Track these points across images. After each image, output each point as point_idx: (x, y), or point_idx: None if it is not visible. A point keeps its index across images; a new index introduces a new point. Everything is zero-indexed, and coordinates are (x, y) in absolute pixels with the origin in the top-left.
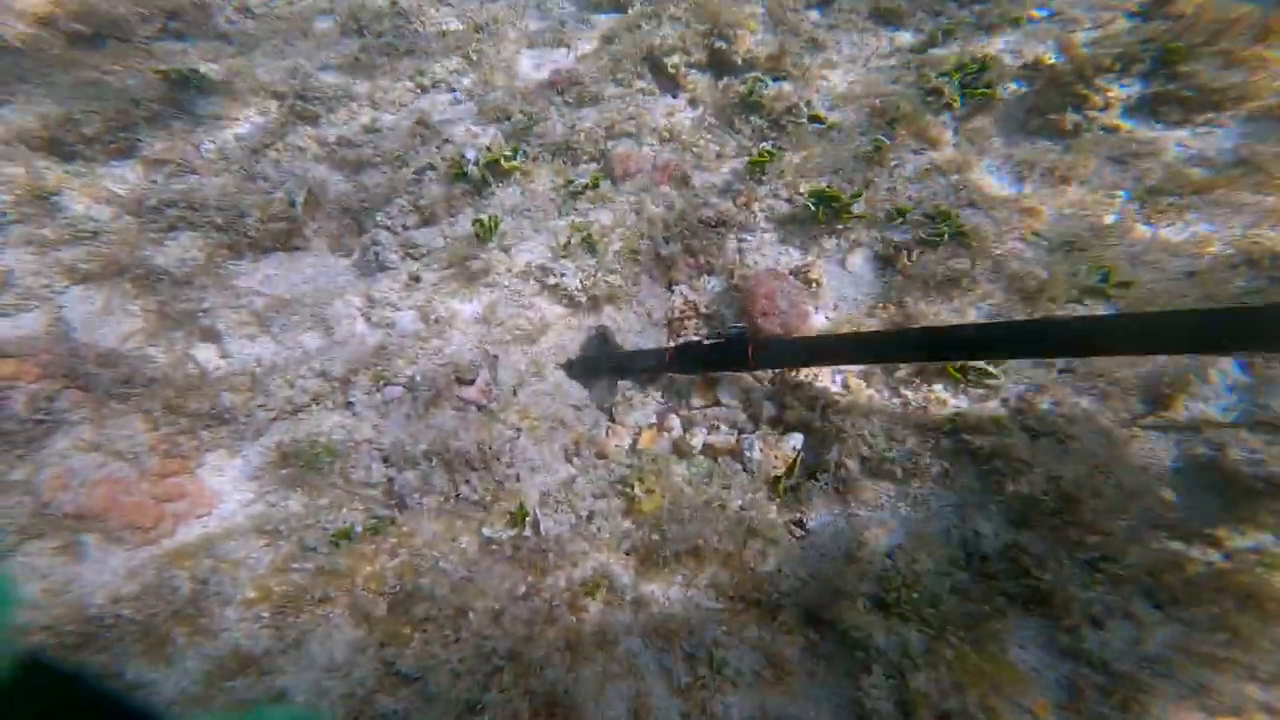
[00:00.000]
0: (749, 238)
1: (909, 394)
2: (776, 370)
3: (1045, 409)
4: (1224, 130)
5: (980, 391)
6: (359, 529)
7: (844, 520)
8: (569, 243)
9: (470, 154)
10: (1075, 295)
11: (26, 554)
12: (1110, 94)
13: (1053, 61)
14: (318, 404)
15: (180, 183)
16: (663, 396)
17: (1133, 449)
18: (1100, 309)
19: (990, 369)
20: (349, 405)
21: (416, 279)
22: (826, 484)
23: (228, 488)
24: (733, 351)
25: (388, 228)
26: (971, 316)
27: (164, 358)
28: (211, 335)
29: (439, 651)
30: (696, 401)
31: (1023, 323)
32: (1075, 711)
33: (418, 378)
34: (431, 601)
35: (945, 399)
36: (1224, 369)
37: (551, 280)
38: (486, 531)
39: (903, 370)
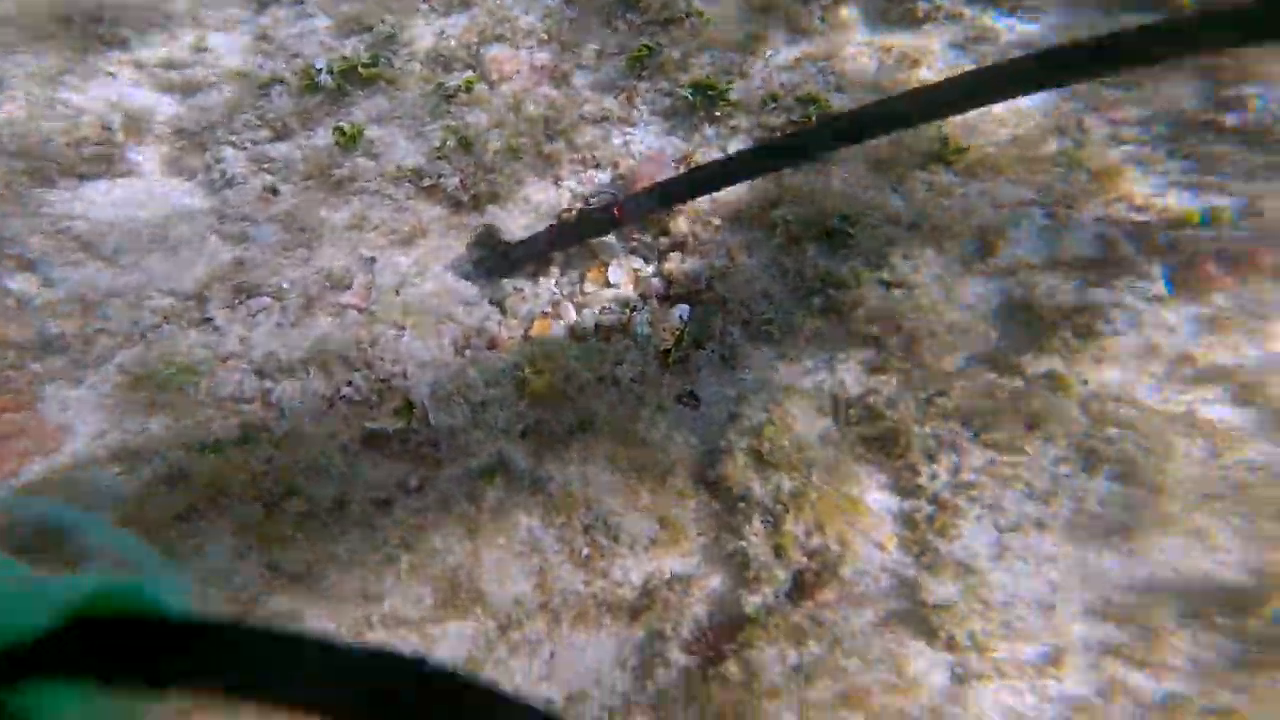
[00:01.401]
0: (633, 131)
1: (786, 260)
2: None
3: (898, 263)
4: (1045, 15)
5: (844, 250)
6: (228, 441)
7: (730, 385)
8: (444, 144)
9: (320, 63)
10: (920, 161)
11: None
12: None
13: None
14: (170, 323)
15: None
16: (555, 285)
17: (964, 292)
18: (942, 172)
19: (851, 231)
20: (208, 321)
21: (274, 191)
22: (713, 352)
23: (74, 420)
24: (600, 213)
25: (233, 144)
26: (836, 185)
27: None
28: (26, 264)
29: (327, 546)
30: (589, 287)
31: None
32: (912, 542)
33: (285, 285)
34: (308, 499)
35: (817, 262)
36: (1032, 218)
37: (427, 182)
38: (370, 425)
39: (779, 238)
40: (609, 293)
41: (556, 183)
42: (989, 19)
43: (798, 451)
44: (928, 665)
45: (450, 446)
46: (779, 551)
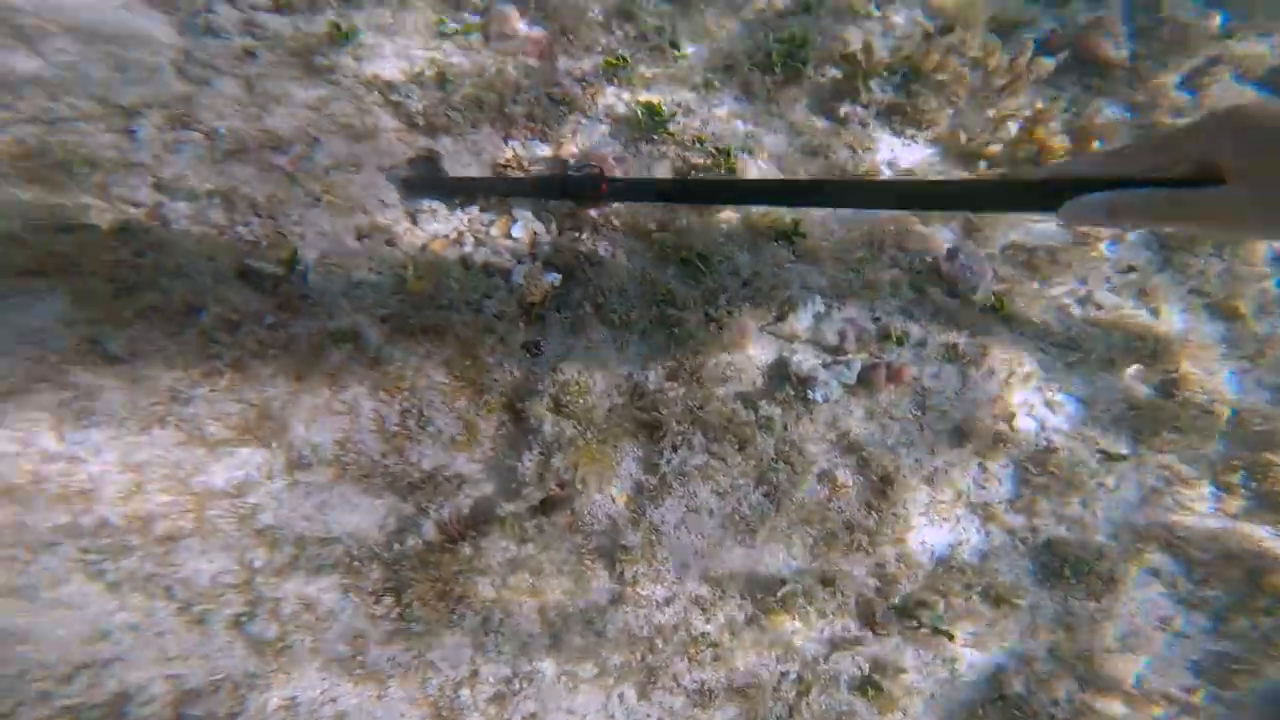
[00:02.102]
0: (586, 124)
1: (651, 272)
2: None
3: (721, 304)
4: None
5: (691, 281)
6: (101, 226)
7: (565, 348)
8: (422, 73)
9: None
10: (775, 234)
11: None
12: (874, 95)
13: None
14: (87, 122)
15: None
16: (467, 220)
17: (752, 343)
18: (783, 248)
19: (702, 268)
20: (130, 133)
21: (251, 54)
22: (567, 317)
23: None
24: (588, 185)
25: (230, 1)
26: (714, 228)
27: None
28: None
29: (157, 339)
30: (494, 230)
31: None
32: (634, 503)
33: (222, 130)
34: (161, 295)
35: (669, 283)
36: (815, 303)
37: (395, 97)
38: (250, 262)
39: (653, 253)
40: (507, 242)
41: (505, 140)
42: (881, 135)
43: (586, 411)
44: (599, 584)
45: (317, 304)
46: (540, 477)
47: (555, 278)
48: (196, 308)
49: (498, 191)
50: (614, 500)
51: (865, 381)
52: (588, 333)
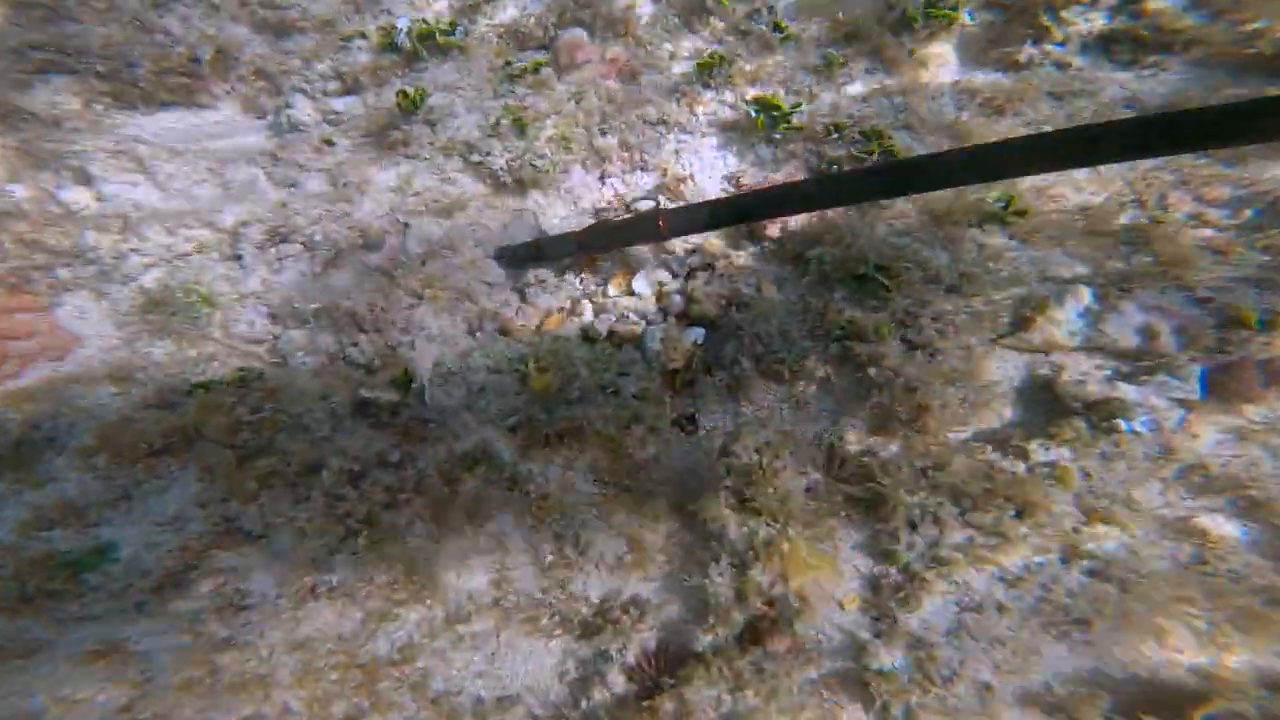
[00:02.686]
0: (688, 139)
1: (812, 301)
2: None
3: (927, 324)
4: (1167, 74)
5: (874, 302)
6: (221, 382)
7: (730, 417)
8: (498, 123)
9: (402, 22)
10: (977, 219)
11: None
12: (1072, 27)
13: None
14: (201, 254)
15: (54, 27)
16: (579, 283)
17: (988, 365)
18: (997, 233)
19: (886, 283)
20: (237, 258)
21: (330, 143)
22: (721, 381)
23: (89, 332)
24: (645, 223)
25: (305, 91)
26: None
27: (24, 193)
28: (84, 178)
29: (285, 509)
30: (611, 290)
31: (912, 159)
32: (873, 606)
33: (318, 237)
34: (280, 458)
35: (842, 308)
36: (1080, 296)
37: (476, 158)
38: (364, 393)
39: (811, 276)
40: (630, 301)
41: (602, 179)
42: (1101, 71)
43: (780, 502)
44: None
45: (439, 426)
46: (740, 595)
47: (698, 334)
48: (316, 465)
49: (559, 254)
50: (843, 608)
51: (1220, 390)
52: (751, 394)
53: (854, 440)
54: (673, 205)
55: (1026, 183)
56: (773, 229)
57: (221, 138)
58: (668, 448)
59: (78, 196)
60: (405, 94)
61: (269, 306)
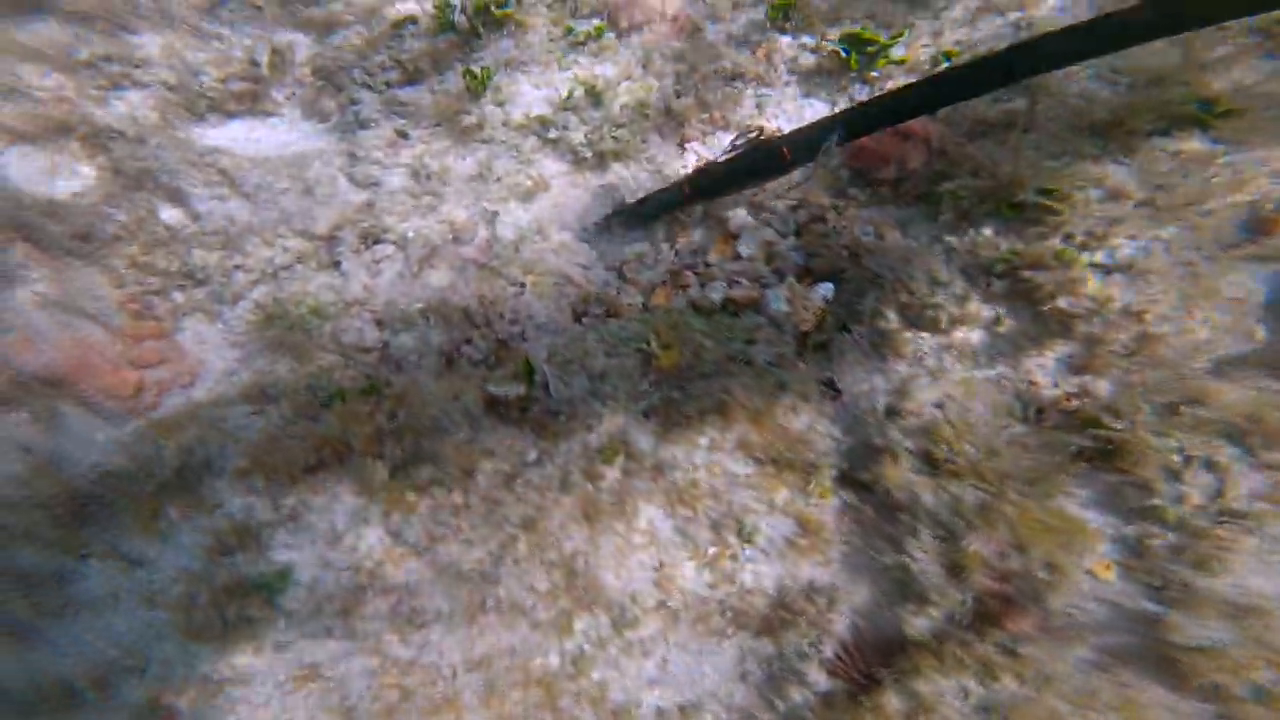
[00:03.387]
0: (769, 91)
1: (953, 240)
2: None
3: (1121, 243)
4: None
5: (1039, 229)
6: (352, 391)
7: (880, 376)
8: (571, 94)
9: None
10: (1161, 126)
11: (4, 426)
12: None
13: None
14: (301, 264)
15: (114, 40)
16: (676, 254)
17: (1221, 282)
18: (1193, 138)
19: (1055, 205)
20: (336, 265)
21: (403, 135)
22: (861, 337)
23: (210, 355)
24: (762, 157)
25: (367, 85)
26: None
27: (125, 216)
28: (177, 196)
29: (448, 519)
30: (713, 257)
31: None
32: (1143, 571)
33: (410, 234)
34: (435, 464)
35: (995, 240)
36: None
37: (554, 134)
38: (491, 388)
39: (946, 213)
40: (738, 265)
41: (682, 145)
42: None
43: (987, 458)
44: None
45: (570, 419)
46: (958, 571)
47: (827, 289)
48: (469, 470)
49: (665, 206)
50: (1097, 576)
51: None
52: (900, 348)
53: (1048, 381)
54: (789, 132)
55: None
56: (887, 170)
57: (293, 144)
58: (821, 415)
59: (176, 215)
60: (472, 74)
61: (373, 312)
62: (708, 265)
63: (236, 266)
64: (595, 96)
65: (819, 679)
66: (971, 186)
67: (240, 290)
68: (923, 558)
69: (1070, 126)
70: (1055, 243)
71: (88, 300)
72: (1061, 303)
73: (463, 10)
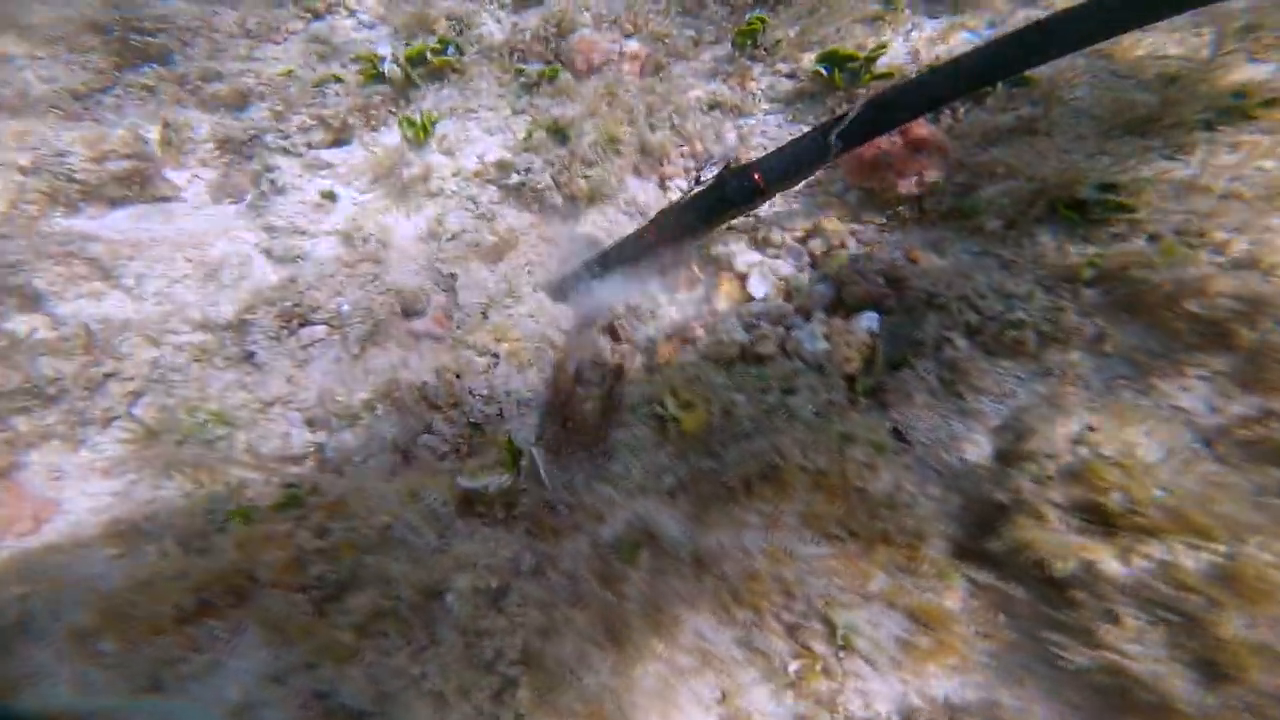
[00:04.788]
0: (748, 120)
1: (1004, 251)
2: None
3: (1227, 238)
4: None
5: (1111, 230)
6: (264, 506)
7: (961, 417)
8: (531, 134)
9: (384, 49)
10: (1206, 118)
11: None
12: None
13: None
14: (201, 361)
15: None
16: (676, 309)
17: None
18: (1246, 130)
19: (1127, 202)
20: (249, 357)
21: (331, 197)
22: (927, 372)
23: (70, 492)
24: (733, 188)
25: (285, 149)
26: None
27: None
28: (30, 300)
29: (405, 665)
30: (721, 302)
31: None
32: None
33: (345, 308)
34: (385, 587)
35: (1063, 246)
36: None
37: (515, 179)
38: (464, 482)
39: (992, 221)
40: (755, 307)
41: (662, 184)
42: None
43: (1196, 505)
44: None
45: (575, 507)
46: (1213, 664)
47: (872, 320)
48: (433, 589)
49: (634, 256)
50: None
51: None
52: (977, 381)
53: (1207, 407)
54: (762, 157)
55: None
56: (904, 186)
57: (194, 228)
58: (906, 470)
59: (29, 325)
60: (411, 121)
61: (302, 410)
62: (715, 312)
63: (107, 375)
64: (559, 133)
65: None
66: (1010, 190)
67: (112, 406)
68: (1139, 651)
69: (1097, 128)
70: (1140, 243)
71: None
72: (1192, 306)
73: (394, 60)
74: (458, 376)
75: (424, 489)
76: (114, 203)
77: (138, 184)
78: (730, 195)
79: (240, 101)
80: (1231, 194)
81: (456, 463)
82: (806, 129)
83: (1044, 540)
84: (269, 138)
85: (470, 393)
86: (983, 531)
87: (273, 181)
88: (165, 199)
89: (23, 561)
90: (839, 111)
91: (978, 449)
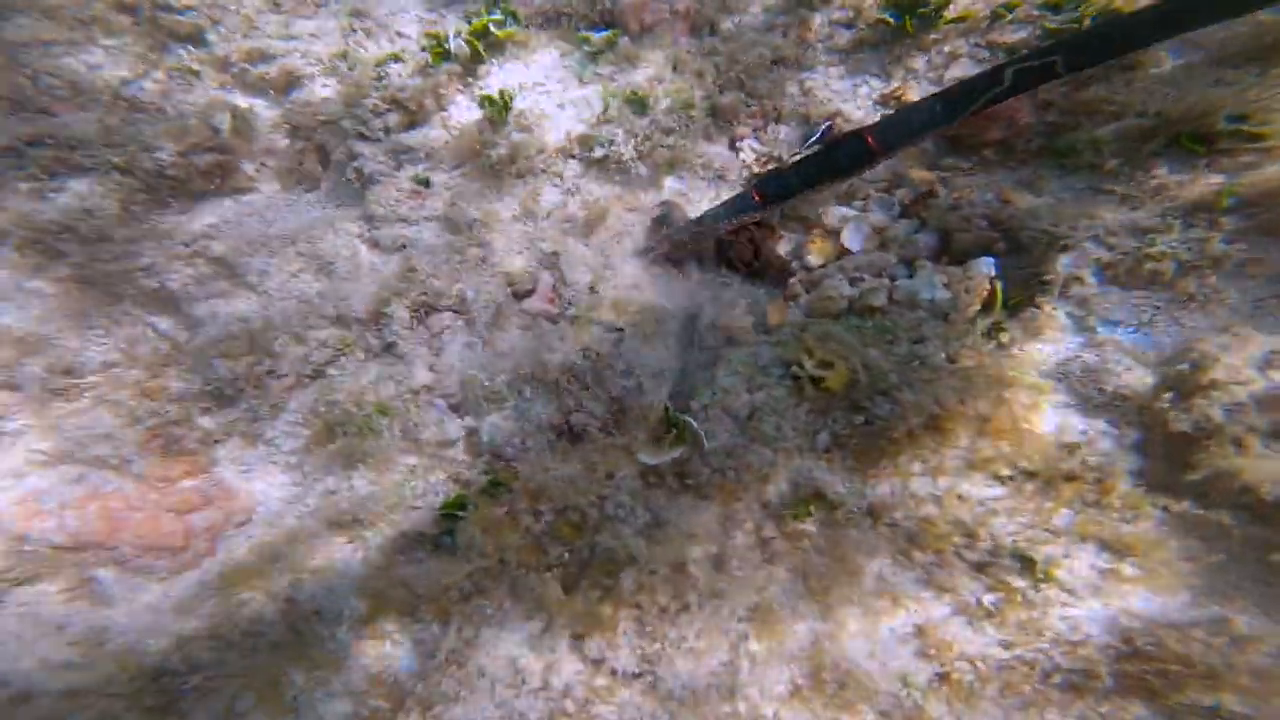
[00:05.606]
0: (811, 75)
1: (1117, 187)
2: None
3: None
4: None
5: (1242, 160)
6: (471, 496)
7: (1093, 350)
8: (608, 106)
9: (450, 24)
10: None
11: (25, 604)
12: None
13: None
14: (346, 355)
15: (27, 122)
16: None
17: None
18: None
19: (1258, 131)
20: (390, 348)
21: (424, 183)
22: (1056, 307)
23: (259, 484)
24: (847, 152)
25: (362, 135)
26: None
27: (113, 336)
28: (166, 301)
29: (658, 626)
30: (813, 258)
31: None
32: None
33: (469, 294)
34: (632, 565)
35: (1179, 180)
36: None
37: (599, 153)
38: (646, 458)
39: (1097, 159)
40: (856, 260)
41: (733, 145)
42: None
43: None
44: None
45: (739, 470)
46: None
47: (989, 263)
48: (679, 565)
49: (718, 226)
50: None
51: None
52: (1108, 313)
53: None
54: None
55: None
56: (992, 132)
57: (284, 220)
58: (1070, 409)
59: (169, 326)
60: (490, 100)
61: (447, 398)
62: (810, 269)
63: (267, 373)
64: (638, 104)
65: None
66: (1126, 128)
67: (277, 400)
68: None
69: (1208, 59)
70: (1271, 169)
71: (98, 445)
72: None
73: (457, 35)
74: (598, 354)
75: (614, 466)
76: (198, 195)
77: (219, 176)
78: (840, 160)
79: (292, 84)
80: None
81: (621, 439)
82: (877, 81)
83: (1251, 467)
84: (344, 123)
85: (610, 368)
86: (1171, 464)
87: (359, 170)
88: (241, 190)
89: (271, 552)
90: (908, 66)
91: (1136, 379)
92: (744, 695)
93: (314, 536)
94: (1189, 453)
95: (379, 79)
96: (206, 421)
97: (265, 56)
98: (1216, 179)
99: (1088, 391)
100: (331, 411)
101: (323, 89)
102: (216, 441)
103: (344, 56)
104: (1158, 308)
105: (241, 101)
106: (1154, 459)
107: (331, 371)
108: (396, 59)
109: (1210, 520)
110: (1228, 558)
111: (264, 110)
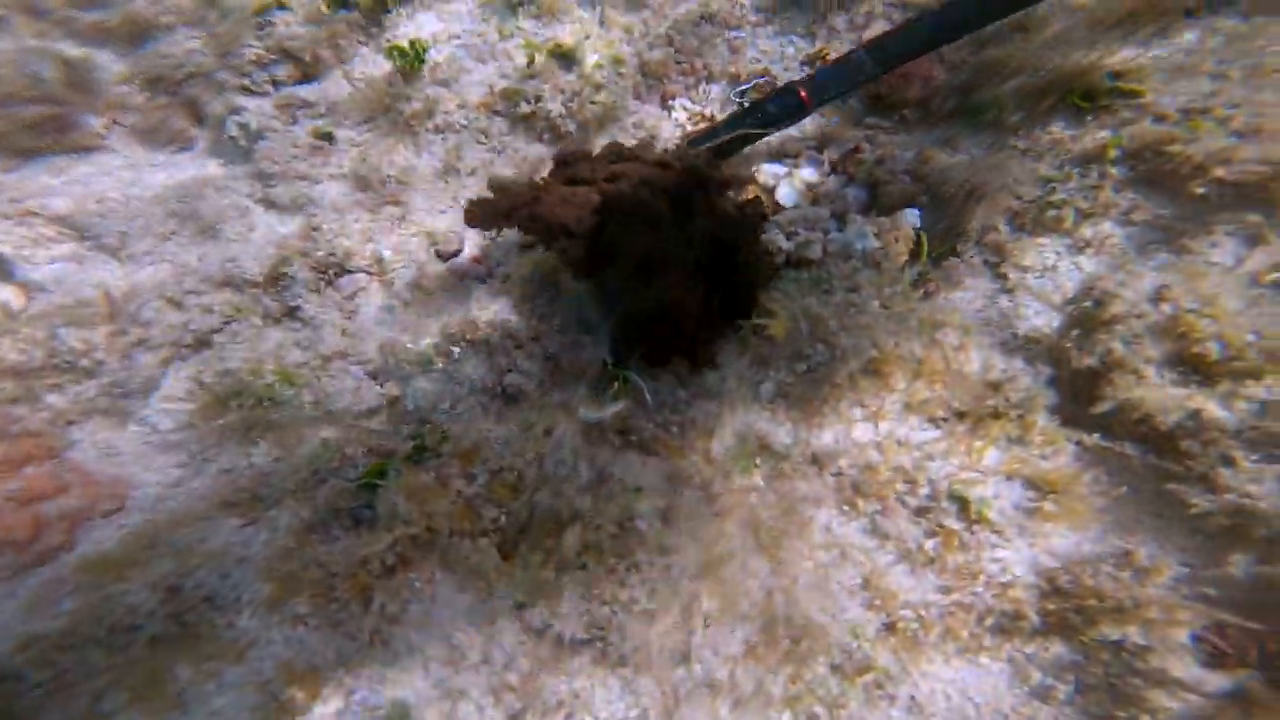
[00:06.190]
0: (739, 33)
1: (1019, 142)
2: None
3: (1229, 113)
4: None
5: (1121, 116)
6: (398, 458)
7: (1005, 296)
8: (534, 60)
9: None
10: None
11: None
12: None
13: None
14: (239, 321)
15: None
16: None
17: None
18: (1225, 17)
19: (1133, 88)
20: (293, 312)
21: (327, 137)
22: (973, 256)
23: (134, 468)
24: (777, 105)
25: (244, 88)
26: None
27: None
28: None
29: (606, 589)
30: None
31: None
32: None
33: (386, 254)
34: (575, 524)
35: (1071, 134)
36: None
37: (525, 108)
38: (587, 414)
39: (999, 114)
40: (790, 214)
41: (664, 103)
42: None
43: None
44: None
45: (683, 429)
46: None
47: (914, 214)
48: (628, 519)
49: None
50: None
51: None
52: (1020, 258)
53: (1234, 261)
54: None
55: None
56: (910, 91)
57: (147, 180)
58: (994, 349)
59: (5, 296)
60: (401, 50)
61: (364, 365)
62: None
63: (135, 344)
64: (564, 58)
65: (1199, 676)
66: (1024, 86)
67: (151, 374)
68: (1260, 490)
69: (1089, 23)
70: (1147, 124)
71: None
72: (1220, 173)
73: None
74: (532, 311)
75: (552, 421)
76: (27, 154)
77: (53, 131)
78: (771, 113)
79: (139, 32)
80: (1219, 74)
81: (558, 396)
82: (801, 41)
83: (1147, 396)
84: (220, 74)
85: (546, 323)
86: (1079, 398)
87: (244, 125)
88: (89, 149)
89: (152, 537)
90: (832, 25)
91: (1044, 320)
92: (699, 657)
93: (204, 519)
94: (1095, 386)
95: (261, 27)
96: (55, 399)
97: (97, 2)
98: (1103, 134)
99: (1004, 336)
100: (221, 382)
101: (189, 40)
102: (70, 422)
103: (212, 4)
104: (1058, 253)
105: (73, 50)
106: (1065, 395)
107: (220, 339)
108: (282, 5)
109: (1114, 451)
110: (1129, 489)
111: (109, 62)
